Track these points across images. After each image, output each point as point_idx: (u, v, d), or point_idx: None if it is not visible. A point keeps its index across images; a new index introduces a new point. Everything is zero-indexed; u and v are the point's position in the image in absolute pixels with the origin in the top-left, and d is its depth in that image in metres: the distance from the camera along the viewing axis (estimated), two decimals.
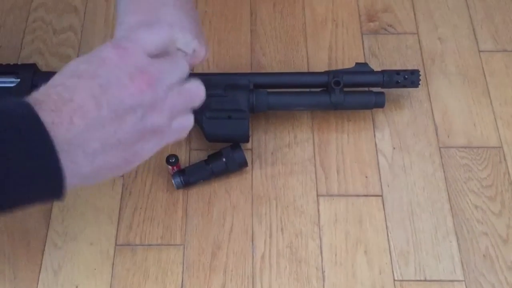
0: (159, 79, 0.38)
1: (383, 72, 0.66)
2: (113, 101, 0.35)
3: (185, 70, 0.41)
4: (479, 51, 0.73)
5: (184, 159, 0.66)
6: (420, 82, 0.66)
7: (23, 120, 0.33)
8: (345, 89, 0.65)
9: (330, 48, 0.74)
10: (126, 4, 0.48)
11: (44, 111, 0.33)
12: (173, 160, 0.61)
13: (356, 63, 0.67)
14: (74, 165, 0.35)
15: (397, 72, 0.66)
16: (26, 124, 0.33)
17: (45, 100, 0.34)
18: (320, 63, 0.73)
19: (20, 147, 0.32)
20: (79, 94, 0.35)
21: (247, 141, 0.65)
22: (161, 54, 0.41)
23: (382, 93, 0.66)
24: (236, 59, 0.73)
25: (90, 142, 0.35)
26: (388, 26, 0.76)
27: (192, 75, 0.57)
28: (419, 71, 0.66)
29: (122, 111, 0.35)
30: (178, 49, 0.48)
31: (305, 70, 0.72)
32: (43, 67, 0.71)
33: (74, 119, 0.34)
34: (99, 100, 0.35)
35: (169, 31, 0.42)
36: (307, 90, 0.67)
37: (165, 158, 0.62)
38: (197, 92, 0.42)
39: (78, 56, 0.72)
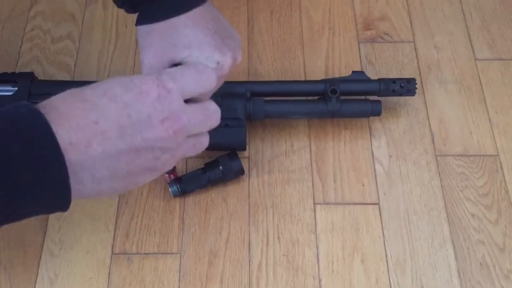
0: (186, 129, 0.38)
1: (379, 80, 0.66)
2: (137, 137, 0.35)
3: (215, 124, 0.42)
4: (475, 60, 0.74)
5: (181, 167, 0.66)
6: (416, 91, 0.66)
7: (39, 139, 0.32)
8: (342, 97, 0.65)
9: (327, 56, 0.74)
10: (144, 36, 0.49)
11: (63, 126, 0.33)
12: (170, 168, 0.61)
13: (353, 72, 0.67)
14: (79, 186, 0.35)
15: (394, 80, 0.66)
16: (41, 142, 0.32)
17: (67, 114, 0.33)
18: (316, 71, 0.73)
19: (31, 164, 0.32)
20: (105, 119, 0.34)
21: (244, 149, 0.65)
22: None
23: (379, 101, 0.66)
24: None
25: (101, 169, 0.35)
26: (384, 34, 0.76)
27: None
28: (415, 80, 0.66)
29: (142, 149, 0.35)
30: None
31: (302, 77, 0.73)
32: (40, 75, 0.71)
33: (93, 143, 0.33)
34: (124, 131, 0.34)
35: (211, 76, 0.41)
36: (304, 98, 0.67)
37: None
38: (206, 141, 0.42)
39: (75, 63, 0.73)
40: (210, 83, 0.41)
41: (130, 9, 0.51)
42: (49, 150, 0.32)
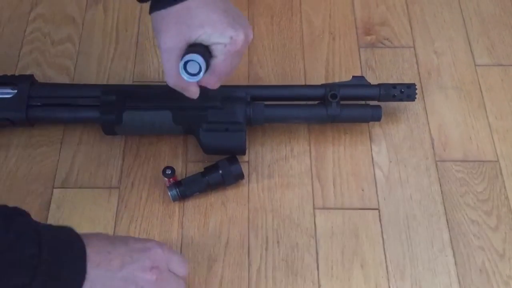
0: (165, 281, 0.51)
1: (379, 85, 0.66)
2: (131, 272, 0.48)
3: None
4: (475, 65, 0.74)
5: (181, 171, 0.65)
6: (416, 96, 0.66)
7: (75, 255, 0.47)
8: (342, 102, 0.65)
9: (327, 60, 0.74)
10: (159, 22, 0.52)
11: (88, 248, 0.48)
12: (170, 172, 0.61)
13: (353, 76, 0.67)
14: None
15: (394, 85, 0.66)
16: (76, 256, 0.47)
17: (93, 243, 0.48)
18: (317, 76, 0.73)
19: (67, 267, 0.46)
20: (115, 252, 0.49)
21: (244, 153, 0.65)
22: None
23: (379, 106, 0.66)
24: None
25: (98, 284, 0.47)
26: (384, 39, 0.76)
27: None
28: (416, 85, 0.66)
29: (129, 282, 0.48)
30: (214, 44, 0.51)
31: (302, 82, 0.73)
32: (40, 78, 0.71)
33: (101, 265, 0.47)
34: (124, 265, 0.48)
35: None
36: (304, 103, 0.67)
37: (161, 170, 0.62)
38: None
39: (75, 66, 0.73)
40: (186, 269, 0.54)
41: None
42: (80, 266, 0.47)
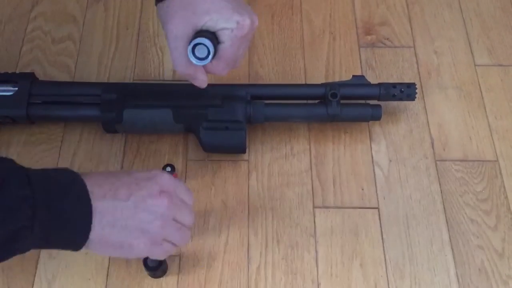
0: (176, 208, 0.49)
1: (379, 85, 0.66)
2: (138, 199, 0.46)
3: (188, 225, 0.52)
4: (475, 65, 0.74)
5: (181, 170, 0.66)
6: (416, 96, 0.66)
7: (78, 192, 0.45)
8: (342, 101, 0.65)
9: (327, 60, 0.74)
10: (165, 11, 0.53)
11: (90, 182, 0.45)
12: (170, 170, 0.61)
13: (353, 76, 0.67)
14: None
15: (394, 85, 0.66)
16: (78, 192, 0.45)
17: (95, 178, 0.46)
18: (317, 75, 0.73)
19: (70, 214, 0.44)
20: (120, 183, 0.47)
21: (244, 152, 0.65)
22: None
23: (379, 105, 0.66)
24: (234, 70, 0.72)
25: (107, 215, 0.45)
26: (385, 39, 0.76)
27: (191, 85, 0.57)
28: (416, 85, 0.66)
29: (140, 209, 0.46)
30: (221, 29, 0.52)
31: (302, 81, 0.73)
32: (41, 76, 0.71)
33: (107, 196, 0.45)
34: (131, 193, 0.46)
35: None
36: (304, 102, 0.67)
37: (161, 167, 0.62)
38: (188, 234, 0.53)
39: (76, 64, 0.73)
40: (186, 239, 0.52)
41: None
42: (84, 200, 0.44)
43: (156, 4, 0.54)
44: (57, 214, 0.42)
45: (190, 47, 0.51)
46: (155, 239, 0.48)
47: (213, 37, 0.52)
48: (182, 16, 0.51)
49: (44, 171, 0.45)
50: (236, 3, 0.52)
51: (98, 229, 0.44)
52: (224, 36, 0.52)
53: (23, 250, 0.43)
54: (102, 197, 0.44)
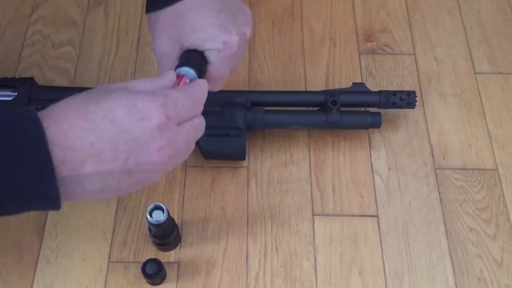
0: (179, 152, 0.40)
1: (379, 92, 0.66)
2: (131, 161, 0.37)
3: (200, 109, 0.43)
4: (475, 73, 0.74)
5: (180, 176, 0.65)
6: (416, 103, 0.66)
7: (33, 156, 0.34)
8: (342, 108, 0.65)
9: (327, 66, 0.74)
10: (154, 26, 0.51)
11: (59, 145, 0.34)
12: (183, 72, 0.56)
13: (353, 83, 0.67)
14: (69, 196, 0.37)
15: (394, 92, 0.66)
16: (34, 157, 0.34)
17: (66, 132, 0.35)
18: (317, 82, 0.73)
19: (23, 172, 0.34)
20: (102, 141, 0.35)
21: (243, 159, 0.65)
22: None
23: (379, 113, 0.66)
24: (234, 76, 0.73)
25: (91, 184, 0.36)
26: (385, 46, 0.76)
27: None
28: (416, 92, 0.66)
29: (135, 171, 0.37)
30: (208, 50, 0.48)
31: (302, 88, 0.73)
32: (41, 80, 0.71)
33: (87, 163, 0.35)
34: (118, 154, 0.36)
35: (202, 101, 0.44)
36: (304, 108, 0.67)
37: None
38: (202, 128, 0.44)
39: (76, 69, 0.73)
40: (205, 95, 0.44)
41: None
42: (42, 168, 0.34)
43: (146, 13, 0.52)
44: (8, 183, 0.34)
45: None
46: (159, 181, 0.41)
47: (201, 58, 0.49)
48: (169, 34, 0.49)
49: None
50: (225, 15, 0.49)
51: (82, 196, 0.37)
52: (212, 57, 0.49)
53: None
54: (81, 164, 0.35)
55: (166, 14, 0.49)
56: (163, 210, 0.53)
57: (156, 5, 0.50)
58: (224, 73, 0.51)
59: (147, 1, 0.52)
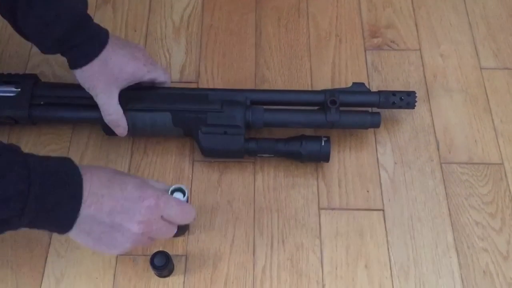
0: (150, 234, 0.51)
1: (379, 92, 0.66)
2: (118, 219, 0.48)
3: (170, 235, 0.54)
4: (481, 69, 0.74)
5: (188, 171, 0.66)
6: (416, 104, 0.66)
7: (72, 192, 0.47)
8: (341, 108, 0.65)
9: (333, 63, 0.75)
10: (84, 80, 0.60)
11: (86, 188, 0.48)
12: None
13: (354, 83, 0.67)
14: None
15: (393, 93, 0.66)
16: (73, 192, 0.47)
17: (92, 182, 0.48)
18: (323, 78, 0.74)
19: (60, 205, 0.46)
20: (109, 198, 0.48)
21: (242, 157, 0.65)
22: None
23: (378, 113, 0.66)
24: (240, 73, 0.74)
25: (85, 224, 0.48)
26: (391, 42, 0.77)
27: (191, 90, 0.58)
28: (416, 93, 0.66)
29: (116, 229, 0.49)
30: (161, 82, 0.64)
31: (308, 83, 0.73)
32: (50, 76, 0.72)
33: (92, 206, 0.47)
34: (113, 212, 0.48)
35: (191, 215, 0.54)
36: (304, 108, 0.67)
37: (168, 172, 0.62)
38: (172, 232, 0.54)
39: None
40: (190, 219, 0.54)
41: (55, 53, 0.60)
42: (74, 205, 0.47)
43: (72, 69, 0.60)
44: (45, 210, 0.45)
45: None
46: (125, 251, 0.51)
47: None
48: (105, 83, 0.59)
49: (47, 161, 0.47)
50: (138, 52, 0.63)
51: (74, 232, 0.48)
52: (161, 77, 0.66)
53: (10, 230, 0.46)
54: (88, 207, 0.47)
55: (93, 66, 0.59)
56: (184, 193, 0.56)
57: (84, 60, 0.58)
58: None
59: (69, 60, 0.60)
